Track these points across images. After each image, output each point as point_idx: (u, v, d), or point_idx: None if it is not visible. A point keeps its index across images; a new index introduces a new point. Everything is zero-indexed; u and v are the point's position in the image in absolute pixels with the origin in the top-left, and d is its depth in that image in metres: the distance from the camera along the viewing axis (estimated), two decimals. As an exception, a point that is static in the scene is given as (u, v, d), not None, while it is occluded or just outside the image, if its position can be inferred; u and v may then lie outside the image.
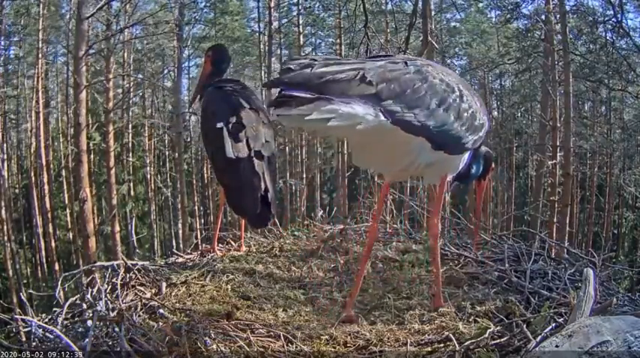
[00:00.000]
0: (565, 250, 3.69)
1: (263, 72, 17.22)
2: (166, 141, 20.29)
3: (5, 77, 17.18)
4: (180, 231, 15.27)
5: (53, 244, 16.44)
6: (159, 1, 15.61)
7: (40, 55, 16.06)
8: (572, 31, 12.11)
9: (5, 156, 16.86)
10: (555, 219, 11.22)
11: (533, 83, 16.84)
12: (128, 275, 2.93)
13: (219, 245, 3.59)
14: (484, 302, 2.46)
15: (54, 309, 2.61)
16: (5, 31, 15.90)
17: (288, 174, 17.93)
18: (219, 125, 3.11)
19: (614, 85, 13.44)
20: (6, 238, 15.01)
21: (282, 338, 2.13)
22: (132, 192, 18.38)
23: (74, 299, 2.67)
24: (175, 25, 13.80)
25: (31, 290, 7.28)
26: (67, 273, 3.09)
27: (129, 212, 18.13)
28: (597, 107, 18.43)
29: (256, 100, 3.43)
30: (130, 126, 18.41)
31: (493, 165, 3.00)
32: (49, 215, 16.65)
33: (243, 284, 2.83)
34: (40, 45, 15.94)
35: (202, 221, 18.46)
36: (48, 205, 16.69)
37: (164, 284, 2.78)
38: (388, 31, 13.58)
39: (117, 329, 2.21)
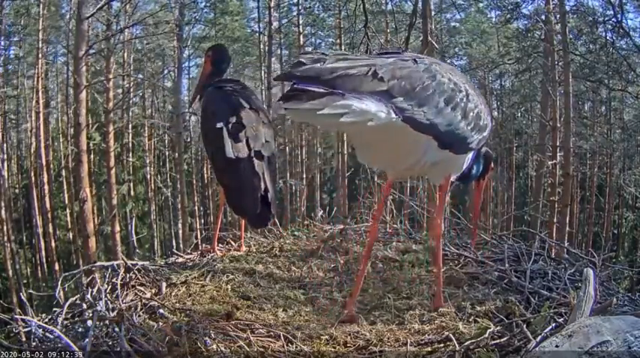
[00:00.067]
0: (565, 250, 3.69)
1: (263, 72, 17.22)
2: (166, 141, 20.29)
3: (5, 77, 17.18)
4: (180, 231, 15.28)
5: (53, 244, 16.44)
6: (159, 1, 15.64)
7: (40, 55, 16.06)
8: (572, 31, 12.12)
9: (5, 156, 16.86)
10: (555, 219, 11.22)
11: (533, 83, 16.83)
12: (128, 275, 2.93)
13: (219, 245, 3.59)
14: (484, 302, 2.46)
15: (54, 309, 2.61)
16: (5, 31, 15.89)
17: (288, 174, 17.93)
18: (219, 125, 3.11)
19: (614, 85, 13.44)
20: (6, 238, 15.00)
21: (282, 338, 2.13)
22: (132, 192, 18.37)
23: (74, 299, 2.67)
24: (175, 25, 13.81)
25: (31, 290, 7.26)
26: (67, 273, 3.09)
27: (129, 212, 18.13)
28: (597, 107, 18.41)
29: (256, 100, 3.43)
30: (130, 126, 18.41)
31: (492, 165, 3.00)
32: (49, 215, 16.64)
33: (243, 284, 2.83)
34: (40, 45, 15.93)
35: (202, 221, 18.46)
36: (48, 205, 16.68)
37: (164, 284, 2.78)
38: (388, 31, 13.59)
39: (117, 329, 2.21)
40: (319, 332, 2.19)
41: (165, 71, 18.36)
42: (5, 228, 15.05)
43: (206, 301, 2.60)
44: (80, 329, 2.42)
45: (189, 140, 18.83)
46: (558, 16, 11.23)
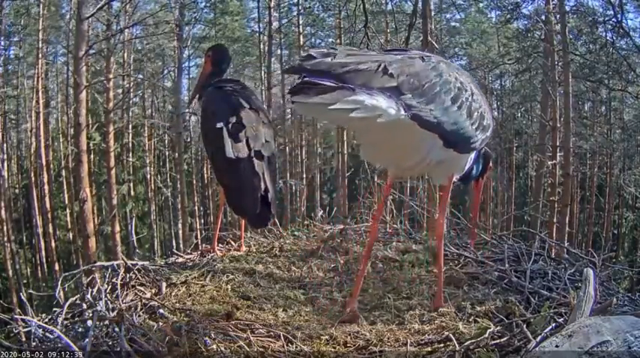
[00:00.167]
0: (565, 250, 3.69)
1: (263, 72, 17.22)
2: (166, 141, 20.29)
3: (5, 77, 17.17)
4: (180, 231, 15.27)
5: (53, 244, 16.44)
6: (159, 1, 15.64)
7: (40, 55, 16.05)
8: (572, 31, 12.12)
9: (5, 156, 16.86)
10: (555, 219, 11.22)
11: (533, 83, 16.83)
12: (128, 275, 2.93)
13: (219, 245, 3.59)
14: (484, 302, 2.46)
15: (54, 309, 2.61)
16: (5, 31, 15.89)
17: (288, 174, 17.93)
18: (219, 125, 3.11)
19: (614, 85, 13.44)
20: (6, 238, 15.00)
21: (282, 338, 2.13)
22: (132, 192, 18.38)
23: (74, 299, 2.66)
24: (175, 25, 13.81)
25: (31, 290, 7.27)
26: (67, 273, 3.08)
27: (129, 212, 18.14)
28: (597, 107, 18.41)
29: (256, 100, 3.43)
30: (130, 126, 18.41)
31: (491, 164, 3.00)
32: (49, 215, 16.64)
33: (243, 284, 2.83)
34: (40, 45, 15.93)
35: (202, 221, 18.46)
36: (48, 205, 16.68)
37: (164, 284, 2.78)
38: (388, 31, 13.59)
39: (117, 329, 2.21)
40: (319, 332, 2.19)
41: (165, 71, 18.36)
42: (5, 228, 15.06)
43: (206, 301, 2.59)
44: (80, 329, 2.42)
45: (189, 140, 18.83)
46: (558, 16, 11.24)
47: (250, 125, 3.16)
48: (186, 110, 13.82)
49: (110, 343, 2.13)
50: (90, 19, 9.03)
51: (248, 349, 2.04)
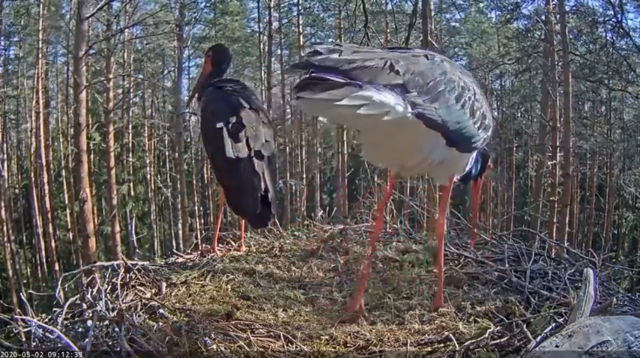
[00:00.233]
0: (565, 250, 3.69)
1: (263, 72, 17.21)
2: (166, 142, 20.29)
3: (5, 77, 17.17)
4: (180, 231, 15.27)
5: (53, 244, 16.43)
6: (159, 1, 15.64)
7: (40, 55, 16.05)
8: (572, 31, 12.12)
9: (5, 156, 16.86)
10: (555, 219, 11.22)
11: (533, 83, 16.83)
12: (128, 275, 2.93)
13: (219, 245, 3.59)
14: (484, 302, 2.46)
15: (54, 309, 2.61)
16: (5, 31, 15.89)
17: (288, 174, 17.93)
18: (219, 125, 3.11)
19: (614, 85, 13.44)
20: (6, 238, 15.00)
21: (282, 338, 2.13)
22: (132, 192, 18.37)
23: (74, 299, 2.66)
24: (175, 25, 13.80)
25: (31, 290, 7.26)
26: (67, 273, 3.08)
27: (129, 212, 18.13)
28: (597, 107, 18.41)
29: (256, 100, 3.43)
30: (130, 126, 18.41)
31: (490, 164, 2.99)
32: (49, 215, 16.64)
33: (243, 284, 2.83)
34: (40, 45, 15.92)
35: (202, 221, 18.46)
36: (48, 205, 16.68)
37: (164, 284, 2.78)
38: (388, 31, 13.59)
39: (117, 329, 2.21)
40: (319, 332, 2.19)
41: (165, 71, 18.34)
42: (5, 228, 15.05)
43: (206, 301, 2.60)
44: (80, 329, 2.42)
45: (189, 140, 18.83)
46: (558, 16, 11.24)
47: (250, 125, 3.16)
48: (186, 110, 13.81)
49: (110, 343, 2.13)
50: (90, 19, 9.04)
51: (248, 349, 2.04)
